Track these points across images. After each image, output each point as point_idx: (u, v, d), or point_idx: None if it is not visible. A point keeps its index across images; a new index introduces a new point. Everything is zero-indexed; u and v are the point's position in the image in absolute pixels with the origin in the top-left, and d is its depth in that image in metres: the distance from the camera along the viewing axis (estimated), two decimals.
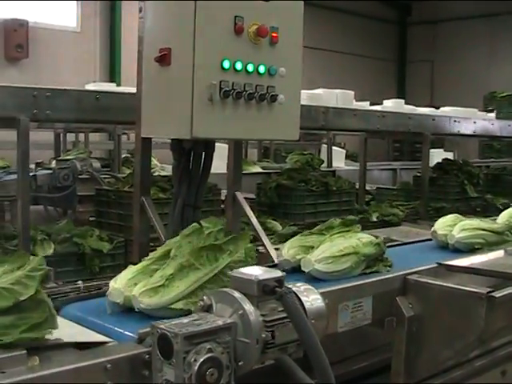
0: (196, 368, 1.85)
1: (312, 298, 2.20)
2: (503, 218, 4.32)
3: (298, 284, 2.25)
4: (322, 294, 2.29)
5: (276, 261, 3.25)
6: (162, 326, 1.90)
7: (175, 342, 1.85)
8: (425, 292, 3.01)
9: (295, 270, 3.08)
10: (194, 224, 2.74)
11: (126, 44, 15.32)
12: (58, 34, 15.14)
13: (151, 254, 2.58)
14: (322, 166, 10.13)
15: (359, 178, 8.04)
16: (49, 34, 14.88)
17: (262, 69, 3.04)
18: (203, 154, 3.34)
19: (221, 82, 2.90)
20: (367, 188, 8.40)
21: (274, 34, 3.08)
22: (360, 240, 3.16)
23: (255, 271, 2.12)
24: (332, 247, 3.08)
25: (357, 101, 7.83)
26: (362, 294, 2.85)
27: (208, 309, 2.07)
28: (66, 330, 2.21)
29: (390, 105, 8.75)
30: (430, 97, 23.01)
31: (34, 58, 14.48)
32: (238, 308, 2.01)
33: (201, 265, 2.44)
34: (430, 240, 4.10)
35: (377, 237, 3.29)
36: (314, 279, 2.96)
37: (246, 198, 3.76)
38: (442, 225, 4.01)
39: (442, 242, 3.94)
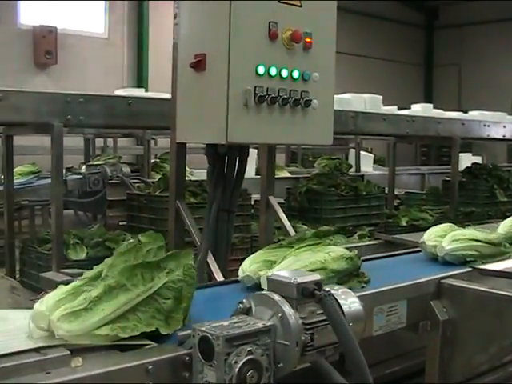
0: (237, 370, 1.86)
1: (350, 301, 2.20)
2: (504, 227, 3.90)
3: (336, 287, 2.26)
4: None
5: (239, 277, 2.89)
6: (203, 328, 1.92)
7: (216, 344, 1.87)
8: (459, 296, 3.00)
9: (259, 288, 2.67)
10: (132, 241, 2.44)
11: (154, 50, 15.43)
12: (86, 40, 15.28)
13: (85, 274, 2.28)
14: (351, 170, 10.13)
15: (388, 183, 8.04)
16: (77, 41, 15.02)
17: (295, 74, 3.08)
18: (237, 158, 3.37)
19: (255, 87, 2.94)
20: (396, 193, 8.40)
21: (308, 40, 3.11)
22: (329, 254, 2.83)
23: (294, 274, 2.13)
24: (296, 262, 2.76)
25: (384, 105, 7.83)
26: (397, 297, 2.84)
27: (247, 311, 2.08)
28: None
29: (418, 109, 8.72)
30: (458, 101, 22.86)
31: (63, 64, 14.61)
32: (278, 311, 2.01)
33: (133, 285, 2.16)
34: (420, 251, 3.67)
35: (350, 250, 2.97)
36: None
37: None
38: (432, 235, 3.57)
39: (431, 253, 3.51)
